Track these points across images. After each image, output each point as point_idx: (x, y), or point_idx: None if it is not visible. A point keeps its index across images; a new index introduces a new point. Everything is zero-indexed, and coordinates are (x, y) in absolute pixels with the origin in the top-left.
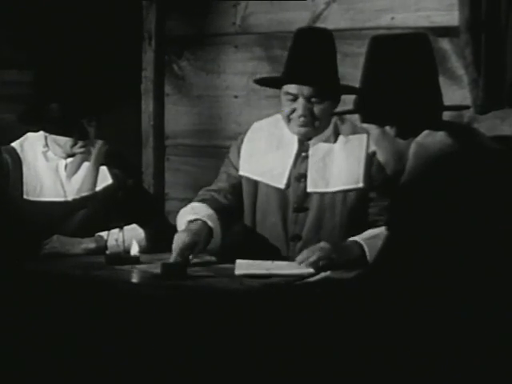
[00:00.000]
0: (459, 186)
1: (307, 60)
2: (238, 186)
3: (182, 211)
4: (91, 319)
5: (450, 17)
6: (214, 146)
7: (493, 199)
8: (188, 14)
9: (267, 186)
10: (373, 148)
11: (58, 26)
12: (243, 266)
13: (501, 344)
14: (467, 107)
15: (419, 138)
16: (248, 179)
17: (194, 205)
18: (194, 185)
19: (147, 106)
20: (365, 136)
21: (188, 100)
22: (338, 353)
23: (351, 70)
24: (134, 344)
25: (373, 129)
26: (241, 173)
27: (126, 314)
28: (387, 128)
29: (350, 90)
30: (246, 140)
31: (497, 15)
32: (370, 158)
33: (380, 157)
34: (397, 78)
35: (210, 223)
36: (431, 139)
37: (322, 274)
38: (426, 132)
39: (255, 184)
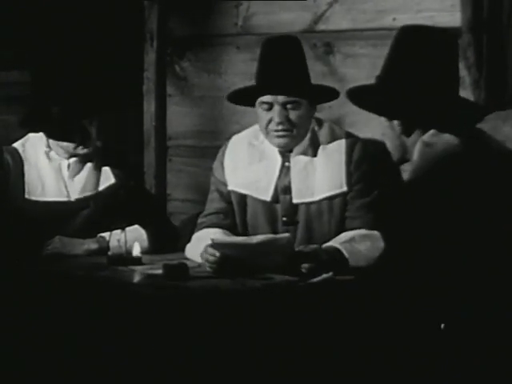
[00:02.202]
0: (464, 186)
1: (279, 69)
2: (231, 201)
3: (194, 239)
4: (92, 319)
5: (452, 17)
6: (216, 147)
7: (497, 200)
8: (190, 14)
9: (254, 199)
10: (382, 132)
11: (58, 27)
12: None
13: (501, 344)
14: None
15: (425, 137)
16: (236, 193)
17: (206, 231)
18: (195, 186)
19: (149, 106)
20: (343, 140)
21: (190, 101)
22: (338, 353)
23: (353, 70)
24: (135, 344)
25: (382, 119)
26: (229, 188)
27: (127, 315)
28: (395, 123)
29: (324, 91)
30: (227, 153)
31: (499, 16)
32: (349, 159)
33: (386, 143)
34: (415, 74)
35: None
36: (437, 139)
37: (324, 275)
38: (432, 131)
39: (243, 198)
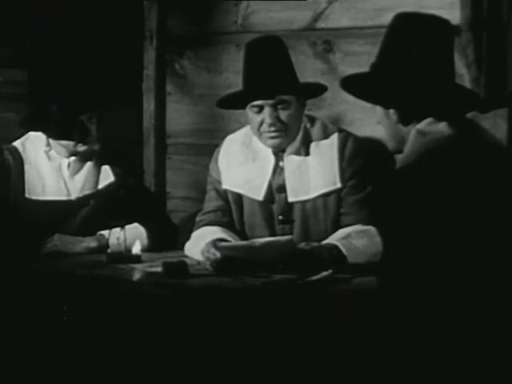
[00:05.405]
0: (453, 178)
1: (265, 72)
2: (229, 199)
3: (194, 236)
4: (92, 318)
5: (452, 15)
6: (216, 145)
7: (486, 193)
8: (189, 12)
9: (250, 198)
10: (378, 121)
11: (58, 25)
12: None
13: (501, 344)
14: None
15: (421, 125)
16: (232, 192)
17: (205, 229)
18: (195, 184)
19: (149, 104)
20: (336, 136)
21: (189, 99)
22: (338, 351)
23: (352, 68)
24: (135, 343)
25: (378, 107)
26: (224, 186)
27: (127, 313)
28: (390, 112)
29: (313, 88)
30: (221, 152)
31: (498, 14)
32: (342, 155)
33: (383, 133)
34: (410, 60)
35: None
36: (432, 128)
37: (324, 273)
38: (428, 120)
39: (240, 197)
